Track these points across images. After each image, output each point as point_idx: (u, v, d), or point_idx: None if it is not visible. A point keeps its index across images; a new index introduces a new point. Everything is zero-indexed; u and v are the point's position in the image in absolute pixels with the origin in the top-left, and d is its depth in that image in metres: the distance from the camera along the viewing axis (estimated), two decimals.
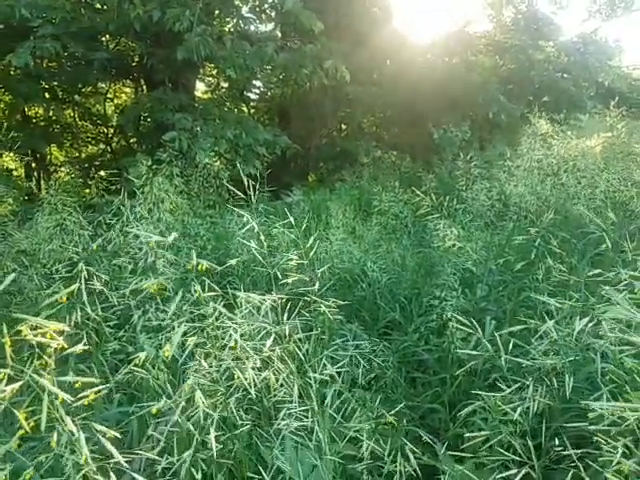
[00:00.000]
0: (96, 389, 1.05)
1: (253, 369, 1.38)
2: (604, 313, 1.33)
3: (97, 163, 11.02)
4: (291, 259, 1.61)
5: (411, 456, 1.64)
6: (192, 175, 5.47)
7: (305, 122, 10.22)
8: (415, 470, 1.57)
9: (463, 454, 1.59)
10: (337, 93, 9.41)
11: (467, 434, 1.57)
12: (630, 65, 13.52)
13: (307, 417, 1.49)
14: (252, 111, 10.80)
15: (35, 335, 0.96)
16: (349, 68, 7.71)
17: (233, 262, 1.57)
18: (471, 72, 9.36)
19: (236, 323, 1.45)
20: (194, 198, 5.07)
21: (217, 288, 1.53)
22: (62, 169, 11.87)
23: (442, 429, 2.54)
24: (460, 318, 2.18)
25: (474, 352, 1.66)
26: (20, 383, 0.92)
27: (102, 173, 10.43)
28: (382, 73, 9.95)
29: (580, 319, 1.41)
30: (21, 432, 0.93)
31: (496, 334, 1.67)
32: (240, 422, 1.46)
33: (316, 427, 1.47)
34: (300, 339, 1.59)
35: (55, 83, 10.12)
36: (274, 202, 7.62)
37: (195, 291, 1.45)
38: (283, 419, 1.46)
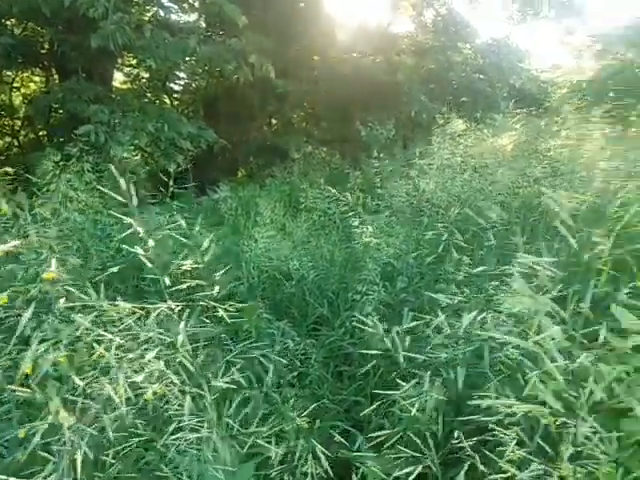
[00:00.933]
0: None
1: (130, 383, 1.30)
2: (500, 305, 1.41)
3: (2, 158, 10.11)
4: (183, 264, 1.53)
5: (322, 457, 1.63)
6: (106, 171, 5.15)
7: (233, 115, 10.01)
8: (326, 471, 1.57)
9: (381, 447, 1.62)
10: (265, 87, 9.31)
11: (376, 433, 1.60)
12: (538, 68, 14.58)
13: (202, 428, 1.43)
14: (176, 103, 10.40)
15: None
16: (277, 63, 7.66)
17: (115, 269, 1.47)
18: (395, 71, 9.64)
19: (111, 334, 1.36)
20: (107, 196, 4.74)
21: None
22: None
23: (365, 421, 2.59)
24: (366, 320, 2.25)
25: (373, 351, 1.70)
26: None
27: (8, 169, 9.59)
28: (309, 68, 9.97)
29: (479, 312, 1.48)
30: None
31: (399, 328, 1.71)
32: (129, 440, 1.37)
33: (213, 437, 1.42)
34: (197, 347, 1.53)
35: None
36: (199, 198, 7.40)
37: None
38: (173, 433, 1.39)
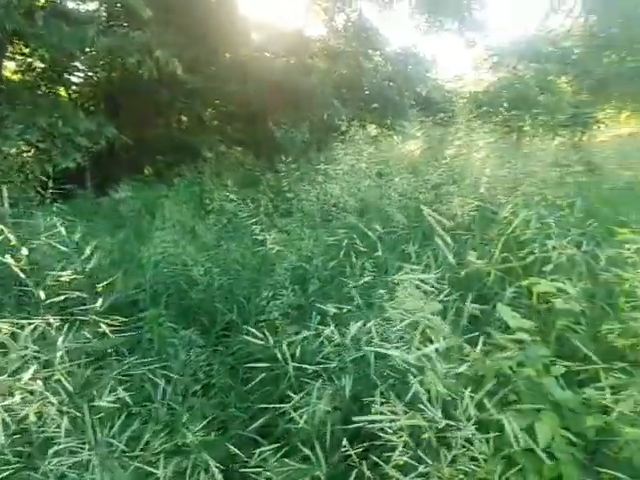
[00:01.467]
0: None
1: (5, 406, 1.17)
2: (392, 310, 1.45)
3: None
4: (61, 275, 1.41)
5: (216, 471, 1.57)
6: None
7: (138, 111, 9.49)
8: None
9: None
10: (174, 82, 8.93)
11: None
12: (443, 78, 15.50)
13: (83, 450, 1.33)
14: (75, 96, 9.63)
15: None
16: (185, 59, 7.38)
17: None
18: (308, 74, 9.71)
19: None
20: None
21: None
22: None
23: (272, 426, 2.58)
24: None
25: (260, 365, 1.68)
26: None
27: None
28: (221, 66, 9.74)
29: (366, 321, 1.52)
30: None
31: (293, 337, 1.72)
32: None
33: (93, 460, 1.32)
34: (80, 364, 1.42)
35: None
36: (100, 199, 6.93)
37: None
38: (54, 456, 1.27)
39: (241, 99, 9.40)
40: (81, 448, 1.34)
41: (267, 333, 2.96)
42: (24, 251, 1.41)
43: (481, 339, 1.65)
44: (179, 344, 2.98)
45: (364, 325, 1.52)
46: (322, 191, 3.93)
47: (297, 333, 2.87)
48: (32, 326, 1.34)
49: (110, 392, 1.48)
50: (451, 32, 13.59)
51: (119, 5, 7.57)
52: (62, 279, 1.46)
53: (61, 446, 1.30)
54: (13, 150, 6.03)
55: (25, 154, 7.47)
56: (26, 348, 1.36)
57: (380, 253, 2.56)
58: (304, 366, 1.55)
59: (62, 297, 1.41)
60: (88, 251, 1.55)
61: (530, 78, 11.00)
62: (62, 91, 9.39)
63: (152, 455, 1.50)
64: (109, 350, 2.53)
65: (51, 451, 1.34)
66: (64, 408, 1.32)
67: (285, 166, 5.17)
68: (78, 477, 1.37)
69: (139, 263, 3.93)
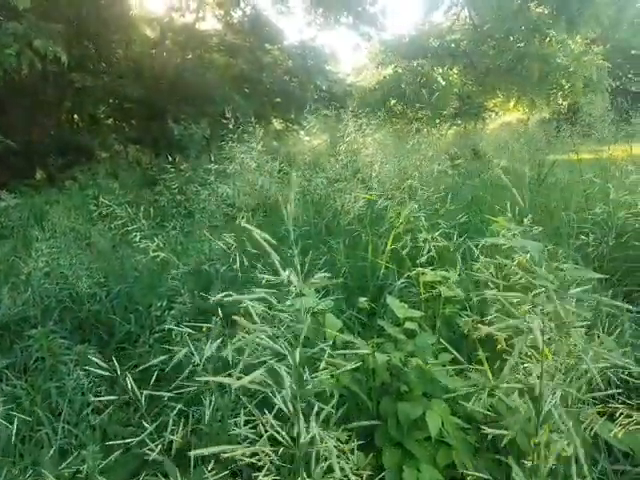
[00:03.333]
0: None
1: None
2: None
3: None
4: None
5: None
6: None
7: (23, 111, 8.77)
8: None
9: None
10: (61, 80, 8.36)
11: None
12: (344, 72, 15.95)
13: None
14: None
15: None
16: (72, 54, 6.94)
17: None
18: (206, 69, 9.54)
19: None
20: None
21: None
22: None
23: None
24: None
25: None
26: None
27: None
28: (112, 63, 9.27)
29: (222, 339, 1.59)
30: None
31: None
32: None
33: None
34: None
35: None
36: None
37: None
38: None
39: (137, 96, 9.03)
40: None
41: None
42: None
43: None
44: (73, 361, 2.88)
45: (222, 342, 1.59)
46: (215, 191, 3.95)
47: (197, 340, 2.89)
48: None
49: None
50: (347, 26, 13.94)
51: None
52: None
53: None
54: None
55: None
56: None
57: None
58: (159, 393, 1.58)
59: None
60: None
61: (411, 73, 11.62)
62: None
63: None
64: None
65: None
66: None
67: (185, 164, 5.05)
68: None
69: (26, 276, 3.71)
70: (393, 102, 10.81)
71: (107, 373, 1.66)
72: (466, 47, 13.85)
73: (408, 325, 1.93)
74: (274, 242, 1.03)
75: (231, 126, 4.72)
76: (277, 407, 1.10)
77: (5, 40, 6.51)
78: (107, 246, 4.70)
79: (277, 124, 11.61)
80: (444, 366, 1.75)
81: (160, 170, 7.30)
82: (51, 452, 1.91)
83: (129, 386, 1.39)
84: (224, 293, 1.17)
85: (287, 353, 1.09)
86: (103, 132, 9.73)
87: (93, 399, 2.49)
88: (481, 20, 13.88)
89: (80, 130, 9.96)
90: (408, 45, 13.18)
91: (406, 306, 2.03)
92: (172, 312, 3.03)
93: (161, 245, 2.87)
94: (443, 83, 11.84)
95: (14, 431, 1.79)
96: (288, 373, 1.07)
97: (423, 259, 2.39)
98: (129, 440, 1.45)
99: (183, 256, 3.83)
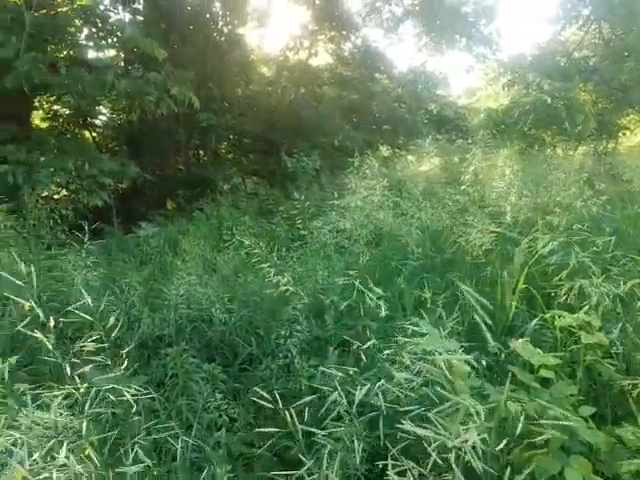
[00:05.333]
0: None
1: None
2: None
3: None
4: (86, 346, 1.53)
5: None
6: (23, 214, 4.95)
7: (158, 149, 9.90)
8: None
9: None
10: (190, 121, 9.31)
11: None
12: (455, 95, 15.62)
13: None
14: (98, 139, 10.14)
15: None
16: (200, 96, 7.71)
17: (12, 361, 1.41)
18: (318, 103, 9.99)
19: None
20: (24, 241, 4.58)
21: None
22: None
23: (297, 462, 2.63)
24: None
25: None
26: None
27: None
28: (233, 102, 10.11)
29: (374, 383, 1.56)
30: None
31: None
32: None
33: None
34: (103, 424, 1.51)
35: None
36: (125, 236, 7.20)
37: None
38: None
39: (254, 132, 9.71)
40: None
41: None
42: (52, 322, 1.50)
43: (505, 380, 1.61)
44: (202, 379, 3.05)
45: (372, 387, 1.58)
46: (335, 224, 4.02)
47: (315, 367, 2.94)
48: (62, 394, 1.41)
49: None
50: (460, 49, 13.69)
51: (135, 50, 8.00)
52: (87, 349, 1.56)
53: None
54: (45, 193, 6.41)
55: (55, 196, 7.88)
56: (60, 416, 1.40)
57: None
58: (313, 430, 1.60)
59: (87, 367, 1.51)
60: (112, 320, 1.65)
61: (547, 94, 10.91)
62: (87, 135, 9.89)
63: None
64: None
65: None
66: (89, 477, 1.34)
67: (300, 196, 5.26)
68: None
69: (164, 298, 4.08)
70: (520, 125, 10.25)
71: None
72: (596, 63, 12.79)
73: (543, 373, 1.78)
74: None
75: (342, 156, 4.80)
76: None
77: (146, 89, 7.43)
78: (230, 272, 5.03)
79: (384, 151, 11.68)
80: (585, 420, 1.60)
81: (276, 201, 7.73)
82: (185, 464, 2.04)
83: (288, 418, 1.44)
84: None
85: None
86: (224, 166, 10.56)
87: (224, 417, 2.62)
88: (612, 33, 12.78)
89: (205, 165, 10.93)
90: (531, 64, 12.48)
91: (540, 351, 1.87)
92: (293, 340, 3.14)
93: (288, 278, 2.97)
94: (576, 105, 10.96)
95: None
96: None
97: (560, 300, 2.18)
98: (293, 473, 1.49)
99: (299, 284, 3.92)
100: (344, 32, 11.16)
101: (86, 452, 1.37)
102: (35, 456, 1.26)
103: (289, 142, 9.24)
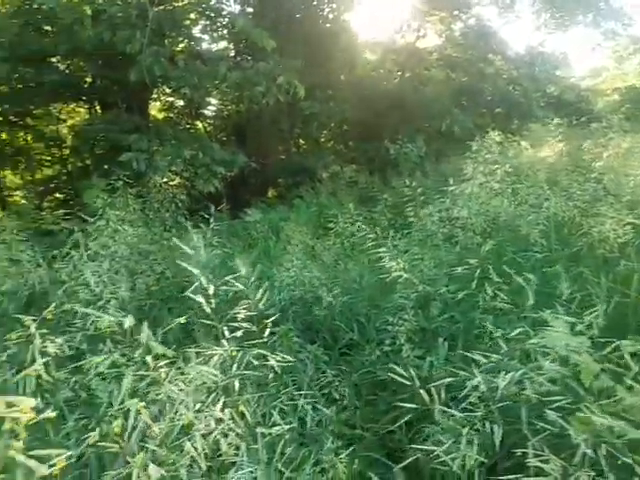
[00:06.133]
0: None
1: (203, 436, 1.34)
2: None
3: (52, 185, 10.70)
4: (239, 312, 1.59)
5: None
6: (148, 198, 5.38)
7: (262, 138, 10.22)
8: None
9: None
10: (293, 110, 9.46)
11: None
12: (577, 76, 14.14)
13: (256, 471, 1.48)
14: (208, 129, 10.73)
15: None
16: (304, 85, 7.79)
17: (182, 320, 1.53)
18: (423, 86, 9.59)
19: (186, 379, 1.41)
20: (151, 222, 4.95)
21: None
22: (17, 193, 11.52)
23: (399, 450, 2.56)
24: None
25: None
26: None
27: (58, 195, 10.16)
28: (337, 89, 10.08)
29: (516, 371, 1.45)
30: None
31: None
32: None
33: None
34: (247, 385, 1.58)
35: (6, 106, 9.83)
36: (233, 221, 7.54)
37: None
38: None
39: (356, 118, 9.60)
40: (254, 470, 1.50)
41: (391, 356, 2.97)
42: (211, 290, 1.61)
43: None
44: (306, 359, 3.08)
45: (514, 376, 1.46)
46: (446, 213, 3.81)
47: (421, 357, 2.83)
48: (216, 356, 1.54)
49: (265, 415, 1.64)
50: (585, 25, 12.33)
51: (245, 41, 8.28)
52: (239, 316, 1.65)
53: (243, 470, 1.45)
54: (164, 180, 6.92)
55: (171, 183, 8.51)
56: (215, 377, 1.54)
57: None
58: (452, 412, 1.55)
59: (239, 332, 1.58)
60: (259, 294, 1.73)
61: None
62: (199, 125, 10.52)
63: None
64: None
65: (232, 471, 1.50)
66: (241, 434, 1.46)
67: (406, 182, 5.08)
68: None
69: (271, 281, 4.19)
70: None
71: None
72: None
73: None
74: None
75: (449, 141, 4.53)
76: None
77: (255, 79, 7.66)
78: (331, 259, 5.03)
79: (495, 136, 10.91)
80: None
81: (377, 188, 7.58)
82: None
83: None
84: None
85: None
86: (324, 154, 10.62)
87: (328, 393, 2.62)
88: None
89: (305, 153, 11.08)
90: None
91: None
92: (400, 328, 3.03)
93: (401, 264, 2.87)
94: None
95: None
96: None
97: None
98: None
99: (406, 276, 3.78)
100: (455, 12, 10.59)
101: (239, 409, 1.48)
102: (197, 407, 1.41)
103: (392, 128, 9.00)
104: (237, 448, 1.47)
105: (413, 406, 1.76)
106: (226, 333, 1.63)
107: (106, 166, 8.27)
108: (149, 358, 1.42)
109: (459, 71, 10.72)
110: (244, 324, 1.70)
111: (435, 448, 1.58)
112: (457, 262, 3.60)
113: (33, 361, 1.57)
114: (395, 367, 2.89)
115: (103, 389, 1.87)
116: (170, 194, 5.59)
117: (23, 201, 10.91)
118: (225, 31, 8.41)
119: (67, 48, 7.83)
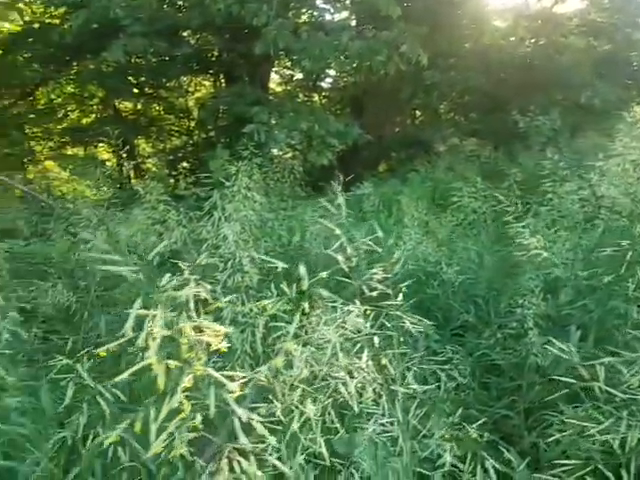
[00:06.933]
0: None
1: (351, 378, 1.39)
2: None
3: (180, 155, 11.61)
4: (375, 274, 1.59)
5: (491, 470, 1.59)
6: (270, 168, 5.60)
7: (378, 110, 10.04)
8: None
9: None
10: (413, 79, 9.14)
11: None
12: None
13: (392, 425, 1.51)
14: (324, 101, 10.81)
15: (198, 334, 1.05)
16: (426, 53, 7.46)
17: (324, 275, 1.56)
18: (560, 54, 8.69)
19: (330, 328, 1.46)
20: (271, 192, 5.16)
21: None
22: (149, 160, 12.69)
23: (516, 436, 2.47)
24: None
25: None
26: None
27: (185, 164, 11.02)
28: (461, 57, 9.52)
29: None
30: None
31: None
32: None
33: (400, 436, 1.49)
34: (382, 347, 1.60)
35: (142, 79, 10.77)
36: (345, 194, 7.56)
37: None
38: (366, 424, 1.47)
39: (481, 89, 9.02)
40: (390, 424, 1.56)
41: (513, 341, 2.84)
42: (349, 250, 1.65)
43: None
44: (418, 335, 3.05)
45: None
46: (590, 191, 3.45)
47: (544, 345, 2.65)
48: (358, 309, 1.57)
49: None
50: None
51: (368, 9, 8.09)
52: (376, 277, 1.67)
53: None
54: (280, 152, 7.15)
55: (285, 155, 8.77)
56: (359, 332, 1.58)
57: None
58: (615, 393, 1.45)
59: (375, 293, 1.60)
60: (397, 255, 1.74)
61: None
62: (315, 97, 10.64)
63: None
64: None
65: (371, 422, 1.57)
66: (382, 387, 1.50)
67: (533, 157, 4.69)
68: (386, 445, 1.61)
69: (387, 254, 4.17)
70: None
71: None
72: None
73: None
74: None
75: (588, 114, 4.03)
76: None
77: (377, 48, 7.48)
78: (445, 236, 4.84)
79: None
80: None
81: (500, 163, 7.09)
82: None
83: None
84: None
85: None
86: (442, 126, 10.18)
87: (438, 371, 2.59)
88: None
89: (421, 125, 10.72)
90: None
91: None
92: (528, 312, 2.85)
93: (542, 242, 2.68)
94: None
95: None
96: None
97: None
98: None
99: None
100: None
101: (382, 362, 1.52)
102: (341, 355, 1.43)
103: (521, 99, 8.30)
104: (379, 397, 1.50)
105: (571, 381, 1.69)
106: (365, 291, 1.63)
107: (228, 138, 8.75)
108: (306, 304, 1.46)
109: (602, 38, 9.53)
110: (380, 286, 1.68)
111: (587, 424, 1.51)
112: (595, 246, 3.28)
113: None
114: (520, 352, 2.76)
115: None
116: (289, 165, 5.76)
117: (154, 169, 12.02)
118: (348, 0, 8.30)
119: (198, 23, 8.29)
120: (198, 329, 1.04)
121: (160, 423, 0.96)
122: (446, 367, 2.59)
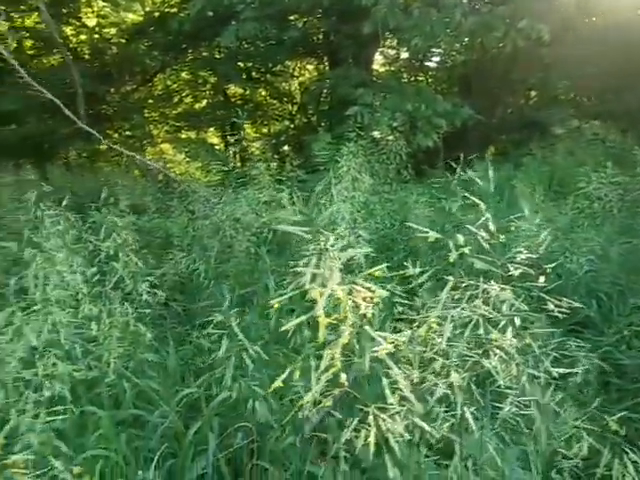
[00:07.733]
0: None
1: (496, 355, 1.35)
2: None
3: (282, 139, 11.94)
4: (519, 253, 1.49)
5: (630, 466, 1.46)
6: (375, 150, 5.55)
7: (489, 90, 9.44)
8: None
9: None
10: (529, 57, 8.45)
11: None
12: None
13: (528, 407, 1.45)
14: (430, 80, 10.40)
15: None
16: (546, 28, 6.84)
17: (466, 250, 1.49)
18: None
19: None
20: (375, 174, 5.13)
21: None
22: (254, 144, 13.25)
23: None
24: None
25: None
26: None
27: (286, 148, 11.31)
28: (585, 32, 8.60)
29: None
30: None
31: None
32: None
33: (537, 418, 1.43)
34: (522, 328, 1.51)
35: (250, 64, 11.18)
36: (448, 178, 7.28)
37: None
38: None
39: (608, 67, 8.09)
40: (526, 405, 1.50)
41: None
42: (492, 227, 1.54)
43: None
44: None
45: None
46: None
47: None
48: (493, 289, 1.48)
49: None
50: None
51: None
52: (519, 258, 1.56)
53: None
54: (382, 135, 7.02)
55: (388, 138, 8.61)
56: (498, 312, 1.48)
57: None
58: None
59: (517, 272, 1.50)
60: (543, 236, 1.62)
61: None
62: (421, 77, 10.29)
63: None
64: None
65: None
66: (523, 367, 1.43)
67: None
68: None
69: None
70: None
71: None
72: None
73: None
74: None
75: None
76: None
77: (493, 23, 7.00)
78: (566, 225, 4.50)
79: None
80: None
81: (635, 149, 6.33)
82: None
83: None
84: None
85: None
86: (560, 108, 9.36)
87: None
88: None
89: (536, 106, 9.93)
90: None
91: None
92: None
93: None
94: None
95: None
96: None
97: None
98: None
99: None
100: None
101: (527, 341, 1.45)
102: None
103: None
104: (519, 377, 1.43)
105: None
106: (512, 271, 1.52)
107: (329, 121, 8.79)
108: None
109: None
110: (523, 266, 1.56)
111: None
112: None
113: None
114: None
115: None
116: (394, 147, 5.66)
117: (257, 152, 12.51)
118: None
119: (307, 5, 8.37)
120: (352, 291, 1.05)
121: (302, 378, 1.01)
122: (567, 361, 2.44)
